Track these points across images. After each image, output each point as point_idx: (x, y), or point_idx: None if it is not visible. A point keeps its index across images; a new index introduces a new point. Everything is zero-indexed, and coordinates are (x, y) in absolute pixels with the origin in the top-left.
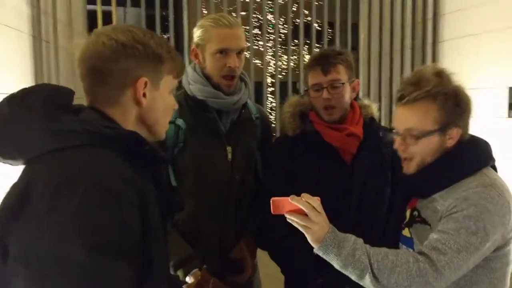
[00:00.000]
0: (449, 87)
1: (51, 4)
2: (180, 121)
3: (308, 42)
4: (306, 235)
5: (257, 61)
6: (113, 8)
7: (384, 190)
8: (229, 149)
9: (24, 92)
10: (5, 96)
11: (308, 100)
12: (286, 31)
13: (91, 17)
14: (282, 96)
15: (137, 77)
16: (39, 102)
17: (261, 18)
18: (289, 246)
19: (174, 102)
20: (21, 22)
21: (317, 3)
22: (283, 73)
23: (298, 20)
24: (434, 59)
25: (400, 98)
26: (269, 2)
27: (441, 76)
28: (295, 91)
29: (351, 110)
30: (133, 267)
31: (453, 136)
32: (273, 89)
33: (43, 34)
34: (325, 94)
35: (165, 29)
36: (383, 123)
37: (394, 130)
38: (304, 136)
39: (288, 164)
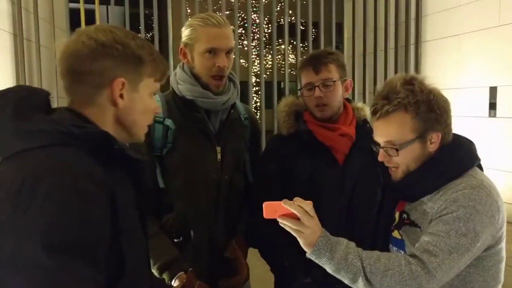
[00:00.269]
0: (420, 94)
1: (32, 2)
2: (169, 122)
3: (293, 41)
4: (299, 240)
5: (241, 60)
6: (96, 6)
7: (375, 191)
8: (218, 149)
9: None
10: None
11: (303, 100)
12: (270, 31)
13: (74, 15)
14: (267, 95)
15: (114, 78)
16: (12, 103)
17: (245, 17)
18: (278, 243)
19: (155, 105)
20: (1, 20)
21: (301, 2)
22: (267, 73)
23: (282, 20)
24: (417, 59)
25: (374, 113)
26: (253, 1)
27: (412, 83)
28: (280, 90)
29: (344, 111)
30: (97, 268)
31: (434, 140)
32: (257, 88)
33: (25, 32)
34: (317, 92)
35: (148, 28)
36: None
37: (376, 143)
38: (298, 135)
39: (282, 162)
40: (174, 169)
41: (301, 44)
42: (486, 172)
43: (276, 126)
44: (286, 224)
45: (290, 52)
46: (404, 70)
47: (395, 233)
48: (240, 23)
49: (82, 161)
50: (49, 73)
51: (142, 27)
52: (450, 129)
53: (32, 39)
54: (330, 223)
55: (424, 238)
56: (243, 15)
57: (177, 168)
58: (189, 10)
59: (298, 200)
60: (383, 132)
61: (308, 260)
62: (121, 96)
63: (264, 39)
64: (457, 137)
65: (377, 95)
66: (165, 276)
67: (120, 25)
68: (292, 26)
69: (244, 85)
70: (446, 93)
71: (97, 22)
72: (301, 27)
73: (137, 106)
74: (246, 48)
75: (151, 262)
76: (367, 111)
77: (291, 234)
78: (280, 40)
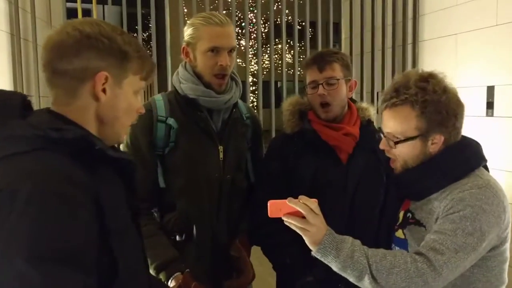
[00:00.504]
0: (431, 93)
1: (29, 1)
2: (171, 121)
3: (290, 41)
4: (304, 238)
5: (238, 60)
6: (93, 5)
7: (378, 191)
8: (220, 148)
9: None
10: None
11: (307, 99)
12: (267, 30)
13: (71, 15)
14: (264, 95)
15: (97, 70)
16: None
17: (242, 17)
18: (280, 241)
19: (139, 105)
20: None
21: (298, 2)
22: (264, 72)
23: (279, 20)
24: (414, 58)
25: (383, 102)
26: (250, 1)
27: (426, 81)
28: (277, 90)
29: (348, 111)
30: (86, 272)
31: (436, 141)
32: (254, 88)
33: (22, 32)
34: (320, 90)
35: (145, 28)
36: None
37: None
38: (302, 134)
39: (285, 161)
40: (176, 168)
41: (298, 44)
42: None
43: (273, 126)
44: (291, 222)
45: (287, 52)
46: (401, 69)
47: (399, 233)
48: (237, 23)
49: (62, 165)
50: None
51: (139, 27)
52: (458, 132)
53: (29, 39)
54: (332, 222)
55: (430, 236)
56: (240, 15)
57: (180, 167)
58: (185, 10)
59: (303, 198)
60: (387, 123)
61: (311, 258)
62: (104, 90)
63: (261, 39)
64: (464, 138)
65: (391, 85)
66: (161, 276)
67: (117, 25)
68: (289, 25)
69: (241, 84)
70: None
71: None
72: (298, 26)
73: (120, 103)
74: (243, 48)
75: (149, 261)
76: (371, 111)
77: (294, 232)
78: (277, 40)
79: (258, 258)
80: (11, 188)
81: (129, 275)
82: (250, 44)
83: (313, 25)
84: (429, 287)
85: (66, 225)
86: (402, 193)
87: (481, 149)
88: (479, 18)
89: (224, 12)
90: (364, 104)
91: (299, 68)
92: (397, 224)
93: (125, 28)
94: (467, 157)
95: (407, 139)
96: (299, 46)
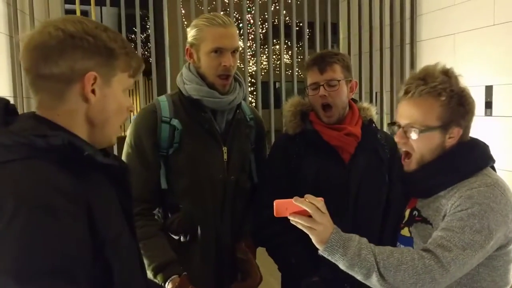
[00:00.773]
0: (455, 86)
1: (28, 3)
2: (175, 122)
3: (288, 42)
4: (311, 237)
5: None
6: (92, 7)
7: (381, 190)
8: (224, 149)
9: None
10: None
11: (308, 100)
12: (264, 31)
13: None
14: (263, 96)
15: (86, 71)
16: None
17: (240, 18)
18: (285, 241)
19: (129, 102)
20: None
21: (296, 3)
22: (262, 73)
23: (277, 21)
24: (413, 58)
25: (406, 92)
26: (248, 2)
27: (449, 75)
28: (275, 90)
29: (350, 111)
30: (77, 286)
31: (453, 135)
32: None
33: (20, 33)
34: (321, 91)
35: (143, 29)
36: None
37: (396, 124)
38: (304, 135)
39: (288, 162)
40: (180, 169)
41: (296, 45)
42: None
43: (273, 126)
44: (297, 221)
45: (285, 53)
46: (400, 69)
47: (405, 231)
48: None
49: (49, 174)
50: None
51: (138, 28)
52: (469, 130)
53: None
54: (336, 222)
55: (438, 233)
56: (238, 16)
57: (184, 168)
58: (183, 11)
59: (309, 197)
60: (408, 113)
61: (316, 258)
62: (93, 91)
63: (260, 40)
64: (472, 138)
65: (412, 76)
66: (159, 278)
67: (116, 26)
68: (287, 26)
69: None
70: None
71: None
72: (296, 27)
73: (110, 103)
74: (241, 49)
75: (147, 262)
76: (373, 111)
77: (298, 232)
78: (275, 40)
79: (258, 259)
80: None
81: (124, 282)
82: (248, 45)
83: (311, 25)
84: (437, 283)
85: (55, 240)
86: (410, 191)
87: (489, 149)
88: (477, 18)
89: (222, 13)
90: (365, 104)
91: (297, 69)
92: (403, 222)
93: (123, 30)
94: (476, 156)
95: (428, 129)
96: (297, 47)
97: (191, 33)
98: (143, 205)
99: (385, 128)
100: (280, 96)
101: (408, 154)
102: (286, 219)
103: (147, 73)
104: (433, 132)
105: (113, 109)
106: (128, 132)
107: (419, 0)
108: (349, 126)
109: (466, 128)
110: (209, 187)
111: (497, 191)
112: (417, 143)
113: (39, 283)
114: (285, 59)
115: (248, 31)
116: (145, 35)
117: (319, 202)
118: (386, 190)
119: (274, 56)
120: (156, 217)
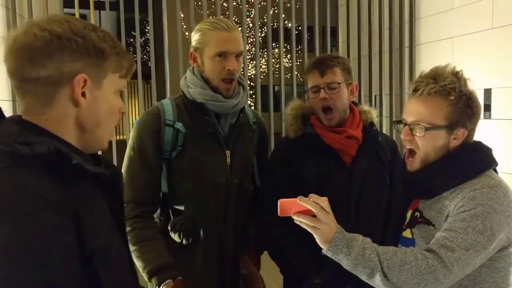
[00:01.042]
0: (464, 88)
1: (27, 7)
2: (179, 125)
3: (287, 45)
4: (315, 236)
5: None
6: (91, 11)
7: (382, 192)
8: (228, 153)
9: None
10: None
11: (309, 103)
12: (263, 35)
13: None
14: (262, 99)
15: (75, 73)
16: None
17: (239, 22)
18: (287, 243)
19: (121, 104)
20: None
21: (295, 7)
22: (261, 76)
23: (276, 25)
24: (411, 61)
25: (415, 90)
26: (247, 6)
27: (458, 76)
28: (275, 94)
29: (351, 114)
30: None
31: (458, 136)
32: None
33: None
34: (322, 93)
35: (143, 33)
36: None
37: (402, 121)
38: (305, 138)
39: (290, 165)
40: (183, 172)
41: (295, 48)
42: None
43: (272, 129)
44: (301, 221)
45: (285, 56)
46: (399, 72)
47: (406, 232)
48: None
49: (34, 183)
50: None
51: (137, 32)
52: (474, 133)
53: None
54: (339, 224)
55: (441, 234)
56: (237, 20)
57: (187, 171)
58: (182, 15)
59: (313, 196)
60: (416, 111)
61: (318, 260)
62: (83, 94)
63: (259, 43)
64: (476, 142)
65: (422, 76)
66: (153, 281)
67: (115, 30)
68: (287, 30)
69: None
70: None
71: None
72: (296, 31)
73: (101, 105)
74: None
75: (142, 265)
76: (373, 114)
77: (300, 234)
78: (274, 44)
79: (264, 265)
80: None
81: None
82: (248, 48)
83: (310, 29)
84: (440, 284)
85: (41, 252)
86: (413, 191)
87: (492, 152)
88: (475, 21)
89: (221, 16)
90: (366, 107)
91: (296, 72)
92: (405, 223)
93: (122, 33)
94: (479, 158)
95: (434, 128)
96: (296, 50)
97: (195, 37)
98: (144, 207)
99: (384, 131)
100: (279, 100)
101: (412, 153)
102: (287, 222)
103: (146, 77)
104: (439, 131)
105: (105, 112)
106: (131, 135)
107: (418, 3)
108: (350, 129)
109: (471, 131)
110: (212, 190)
111: (500, 193)
112: (423, 141)
113: None
114: (284, 63)
115: (247, 34)
116: (144, 38)
117: (324, 201)
118: (388, 193)
119: (273, 60)
120: (155, 220)
